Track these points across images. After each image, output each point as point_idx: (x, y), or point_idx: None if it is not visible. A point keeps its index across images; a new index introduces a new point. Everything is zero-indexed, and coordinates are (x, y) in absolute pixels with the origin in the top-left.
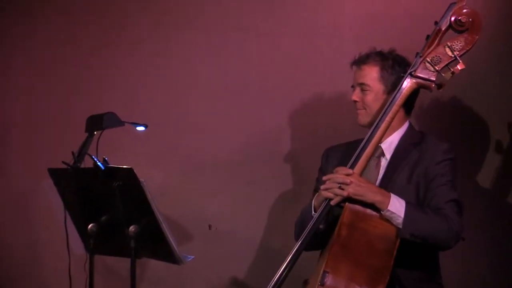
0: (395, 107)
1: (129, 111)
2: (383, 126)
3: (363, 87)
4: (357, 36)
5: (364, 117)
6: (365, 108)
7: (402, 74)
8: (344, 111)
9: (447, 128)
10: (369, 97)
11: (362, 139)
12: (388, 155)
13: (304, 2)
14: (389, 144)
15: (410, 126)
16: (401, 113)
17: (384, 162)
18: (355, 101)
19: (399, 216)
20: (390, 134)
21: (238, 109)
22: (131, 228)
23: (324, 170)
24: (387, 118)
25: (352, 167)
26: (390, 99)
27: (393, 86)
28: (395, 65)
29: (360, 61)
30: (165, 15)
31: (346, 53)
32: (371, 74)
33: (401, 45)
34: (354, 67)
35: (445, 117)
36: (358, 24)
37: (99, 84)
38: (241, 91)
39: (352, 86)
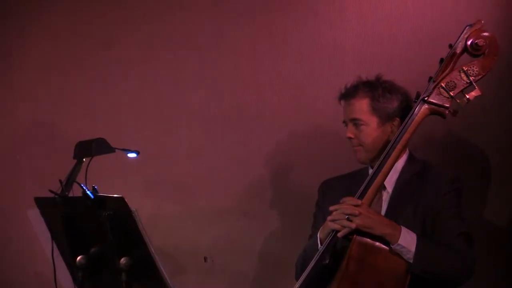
0: (406, 135)
1: (120, 137)
2: (394, 154)
3: (355, 122)
4: (359, 57)
5: (362, 154)
6: (361, 145)
7: (397, 101)
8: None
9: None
10: (364, 133)
11: (360, 171)
12: (389, 188)
13: (304, 22)
14: (390, 175)
15: (411, 155)
16: None
17: (386, 195)
18: (350, 138)
19: (410, 251)
20: None
21: (233, 135)
22: (122, 260)
23: (321, 204)
24: (399, 146)
25: (360, 197)
26: (402, 126)
27: (388, 115)
28: (385, 93)
29: (348, 95)
30: (156, 36)
31: (348, 75)
32: (362, 108)
33: (406, 68)
34: (343, 102)
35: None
36: (360, 44)
37: (87, 109)
38: (236, 116)
39: (344, 122)
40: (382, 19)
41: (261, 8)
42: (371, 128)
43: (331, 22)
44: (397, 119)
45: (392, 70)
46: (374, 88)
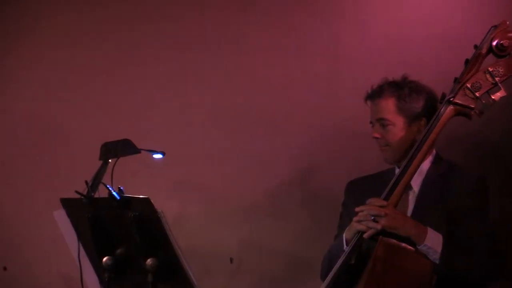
0: (432, 135)
1: (145, 138)
2: (420, 154)
3: (382, 122)
4: (385, 59)
5: (389, 154)
6: (388, 145)
7: (423, 101)
8: (368, 141)
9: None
10: (391, 133)
11: (387, 171)
12: (416, 188)
13: (330, 23)
14: (416, 175)
15: (437, 155)
16: None
17: (412, 195)
18: (376, 138)
19: (436, 251)
20: None
21: (259, 136)
22: (148, 261)
23: (347, 204)
24: (424, 147)
25: (386, 198)
26: (428, 127)
27: (414, 115)
28: (411, 92)
29: (374, 95)
30: (180, 37)
31: (373, 76)
32: (388, 108)
33: (431, 69)
34: (369, 102)
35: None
36: (386, 46)
37: (113, 109)
38: (262, 117)
39: (371, 122)
40: (408, 21)
41: (286, 8)
42: (398, 128)
43: (358, 23)
44: (424, 119)
45: (418, 72)
46: (400, 88)
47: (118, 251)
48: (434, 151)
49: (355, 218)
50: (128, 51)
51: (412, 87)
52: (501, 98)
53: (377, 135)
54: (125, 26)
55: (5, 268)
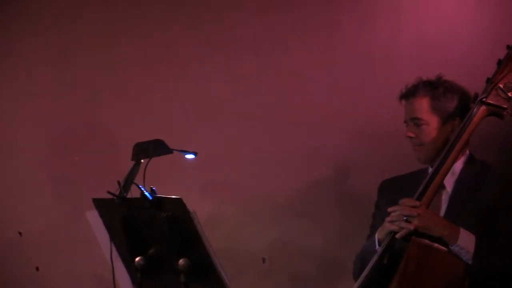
0: (465, 135)
1: (177, 138)
2: (453, 154)
3: (416, 121)
4: (417, 58)
5: (423, 154)
6: (422, 144)
7: (457, 101)
8: (401, 141)
9: None
10: (425, 132)
11: (421, 171)
12: (449, 188)
13: (363, 23)
14: (450, 175)
15: (470, 155)
16: None
17: (445, 195)
18: (410, 137)
19: (468, 252)
20: None
21: (293, 136)
22: (181, 261)
23: (380, 205)
24: (457, 147)
25: (419, 198)
26: (460, 127)
27: (448, 115)
28: (446, 92)
29: (408, 94)
30: (215, 36)
31: (406, 76)
32: (423, 107)
33: (464, 70)
34: (403, 101)
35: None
36: (419, 46)
37: (145, 109)
38: (296, 117)
39: (405, 122)
40: (440, 21)
41: (319, 8)
42: (432, 128)
43: (390, 23)
44: (457, 118)
45: (450, 72)
46: (435, 87)
47: (151, 251)
48: (467, 151)
49: (387, 219)
50: (160, 50)
51: (447, 86)
52: None
53: (411, 134)
54: (161, 26)
55: (37, 269)
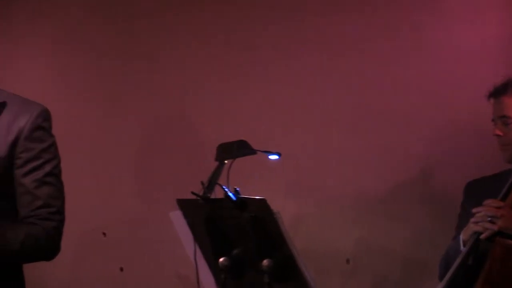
0: None
1: (261, 138)
2: None
3: (505, 120)
4: (501, 57)
5: (510, 154)
6: (510, 144)
7: None
8: (489, 140)
9: None
10: None
11: (507, 171)
12: None
13: (445, 24)
14: None
15: None
16: None
17: None
18: (498, 136)
19: None
20: None
21: (378, 137)
22: (265, 262)
23: (465, 205)
24: None
25: (503, 199)
26: None
27: None
28: None
29: (498, 92)
30: (300, 37)
31: (490, 76)
32: None
33: None
34: (492, 99)
35: None
36: (502, 45)
37: (229, 110)
38: (382, 118)
39: (493, 120)
40: None
41: (402, 7)
42: None
43: (472, 23)
44: None
45: None
46: None
47: (234, 251)
48: None
49: (472, 219)
50: (243, 51)
51: None
52: None
53: (499, 133)
54: (243, 25)
55: (121, 269)
